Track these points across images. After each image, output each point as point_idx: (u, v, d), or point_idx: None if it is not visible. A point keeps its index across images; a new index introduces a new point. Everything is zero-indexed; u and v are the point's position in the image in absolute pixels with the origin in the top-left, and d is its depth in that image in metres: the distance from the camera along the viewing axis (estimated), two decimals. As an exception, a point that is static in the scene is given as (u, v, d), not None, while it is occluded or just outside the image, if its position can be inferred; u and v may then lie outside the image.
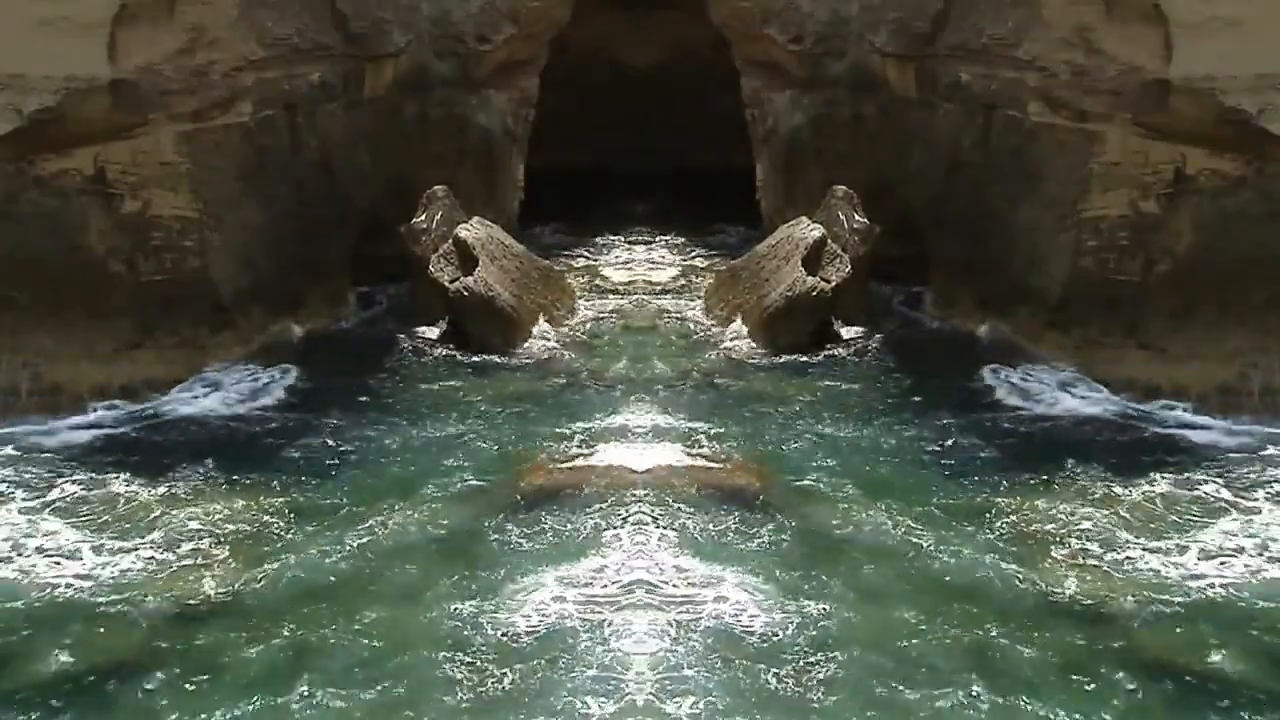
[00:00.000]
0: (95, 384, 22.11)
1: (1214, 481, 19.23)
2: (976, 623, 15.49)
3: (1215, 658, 14.80)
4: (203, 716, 13.73)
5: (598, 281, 29.24)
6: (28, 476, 19.31)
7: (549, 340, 25.66)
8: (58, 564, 16.78)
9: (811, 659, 14.72)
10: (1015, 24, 24.74)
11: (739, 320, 26.18)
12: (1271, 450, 20.32)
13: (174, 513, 18.20)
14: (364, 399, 22.61)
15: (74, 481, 19.20)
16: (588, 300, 27.86)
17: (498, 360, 24.59)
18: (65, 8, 21.26)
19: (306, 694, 14.13)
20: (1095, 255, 23.12)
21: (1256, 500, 18.66)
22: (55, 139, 21.70)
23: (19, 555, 17.04)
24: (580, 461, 19.99)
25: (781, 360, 24.58)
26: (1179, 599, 15.97)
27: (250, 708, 13.93)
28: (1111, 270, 22.99)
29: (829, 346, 25.23)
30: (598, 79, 35.81)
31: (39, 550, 17.14)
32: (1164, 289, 22.47)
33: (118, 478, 19.31)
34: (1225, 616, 15.63)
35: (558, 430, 21.14)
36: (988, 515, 18.21)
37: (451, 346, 25.26)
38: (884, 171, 28.10)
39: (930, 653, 14.92)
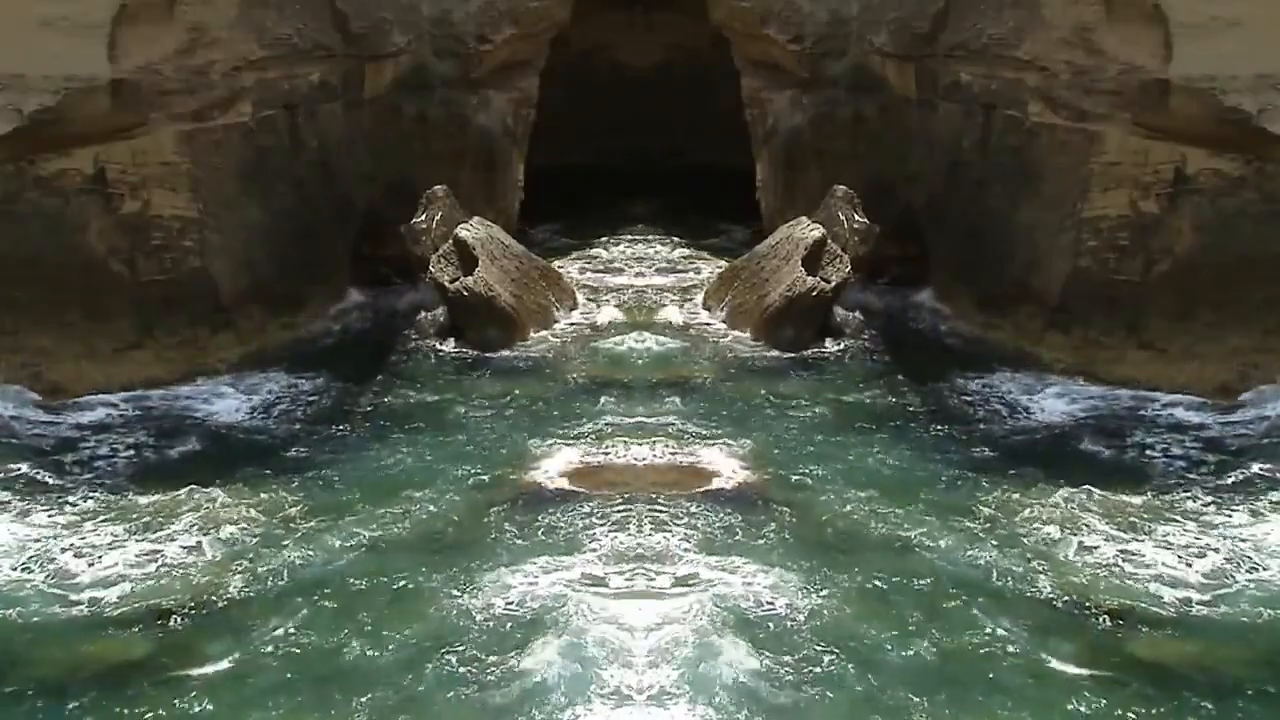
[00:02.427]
0: (95, 384, 22.11)
1: (1210, 480, 19.27)
2: (966, 615, 15.79)
3: (1194, 653, 14.98)
4: (222, 704, 14.04)
5: (597, 281, 29.25)
6: (36, 478, 19.32)
7: (549, 340, 25.68)
8: (75, 564, 16.85)
9: (816, 649, 14.98)
10: (1015, 24, 24.77)
11: (739, 320, 26.20)
12: (1269, 449, 20.34)
13: (180, 514, 18.23)
14: (364, 399, 22.60)
15: (76, 482, 19.22)
16: (587, 300, 27.87)
17: (497, 360, 24.59)
18: (65, 8, 21.27)
19: (314, 683, 14.41)
20: (1095, 255, 23.13)
21: (1251, 499, 18.70)
22: (55, 139, 21.71)
23: (41, 554, 17.13)
24: (581, 462, 20.00)
25: (781, 360, 24.58)
26: (1166, 597, 16.11)
27: (263, 694, 14.23)
28: (1111, 270, 22.99)
29: (829, 346, 25.24)
30: (598, 79, 35.88)
31: (60, 550, 17.21)
32: (1164, 289, 22.47)
33: (121, 480, 19.32)
34: (1210, 614, 15.75)
35: (558, 429, 21.15)
36: (979, 513, 18.34)
37: (451, 346, 25.26)
38: (884, 171, 28.13)
39: (922, 642, 15.22)
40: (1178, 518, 18.12)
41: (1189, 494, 18.85)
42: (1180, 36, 21.73)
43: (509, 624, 15.46)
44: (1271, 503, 18.54)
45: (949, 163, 26.72)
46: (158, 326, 22.91)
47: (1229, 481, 19.22)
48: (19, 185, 21.80)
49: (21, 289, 21.80)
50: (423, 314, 26.56)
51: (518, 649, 14.96)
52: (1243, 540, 17.43)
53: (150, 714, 13.87)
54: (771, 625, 15.44)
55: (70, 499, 18.65)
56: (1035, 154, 24.55)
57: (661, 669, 14.51)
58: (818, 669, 14.62)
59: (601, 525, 17.81)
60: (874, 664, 14.74)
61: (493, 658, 14.80)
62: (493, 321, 25.09)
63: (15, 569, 16.71)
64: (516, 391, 23.01)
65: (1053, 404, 22.27)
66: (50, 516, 18.13)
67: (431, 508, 18.53)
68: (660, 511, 18.17)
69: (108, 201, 22.36)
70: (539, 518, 18.13)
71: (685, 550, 17.12)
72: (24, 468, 19.58)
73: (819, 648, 14.99)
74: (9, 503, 18.51)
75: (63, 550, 17.17)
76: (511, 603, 15.91)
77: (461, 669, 14.61)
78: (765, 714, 13.89)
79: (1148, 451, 20.37)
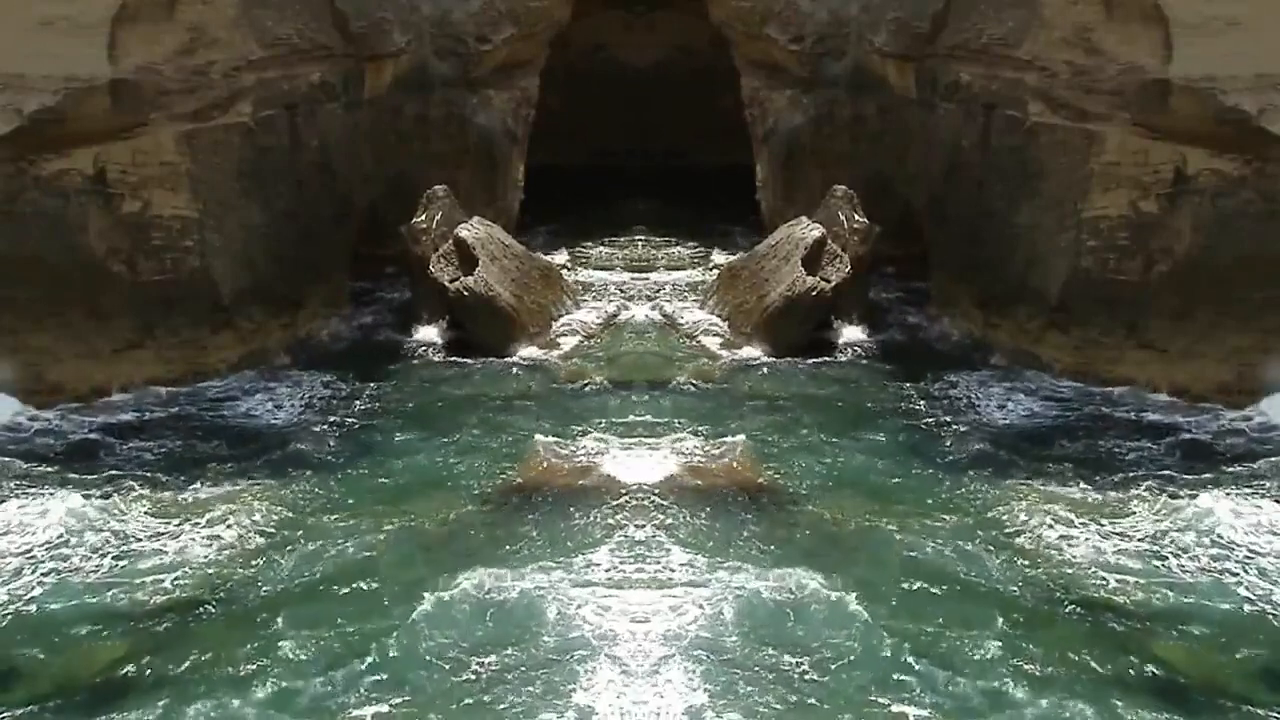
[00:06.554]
0: (95, 384, 22.16)
1: (1207, 480, 19.43)
2: (958, 607, 16.16)
3: (1174, 644, 15.38)
4: (230, 698, 14.40)
5: (597, 280, 29.26)
6: (60, 477, 19.52)
7: (548, 339, 25.67)
8: (98, 561, 17.18)
9: (812, 644, 15.26)
10: (1015, 24, 24.75)
11: (739, 320, 26.20)
12: (1268, 448, 20.45)
13: (199, 512, 18.45)
14: (365, 399, 22.66)
15: (76, 482, 19.33)
16: (587, 300, 27.87)
17: (497, 360, 24.61)
18: (65, 8, 21.28)
19: (321, 669, 14.84)
20: (1095, 255, 23.14)
21: (1245, 498, 18.86)
22: (55, 139, 21.71)
23: (59, 551, 17.44)
24: (581, 460, 20.04)
25: (781, 360, 24.61)
26: (1154, 592, 16.46)
27: (275, 678, 14.66)
28: (1111, 270, 23.00)
29: (828, 346, 25.25)
30: (598, 79, 35.89)
31: (83, 547, 17.55)
32: (1164, 289, 22.49)
33: (123, 481, 19.41)
34: (1195, 609, 16.14)
35: (559, 430, 21.20)
36: (974, 512, 18.56)
37: (451, 346, 25.27)
38: (884, 171, 28.14)
39: (914, 631, 15.61)
40: (1162, 515, 18.38)
41: (1171, 492, 19.06)
42: (1180, 36, 21.73)
43: (514, 618, 15.71)
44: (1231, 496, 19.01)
45: (949, 163, 26.72)
46: (158, 326, 22.93)
47: (1231, 480, 19.47)
48: (19, 185, 21.79)
49: (21, 289, 21.80)
50: (423, 314, 26.57)
51: (525, 637, 15.30)
52: (1233, 536, 17.87)
53: (160, 704, 14.23)
54: (767, 620, 15.64)
55: (90, 498, 18.82)
56: (1035, 154, 24.53)
57: (657, 660, 14.79)
58: (813, 662, 14.85)
59: (603, 523, 17.94)
60: (865, 653, 15.04)
61: (496, 651, 15.04)
62: (493, 321, 25.10)
63: (51, 569, 17.02)
64: (516, 391, 23.09)
65: (1050, 404, 22.32)
66: (80, 514, 18.35)
67: (437, 505, 18.65)
68: (659, 510, 18.29)
69: (108, 202, 22.35)
70: (542, 517, 18.23)
71: (683, 547, 17.26)
72: (42, 467, 19.80)
73: (820, 642, 15.24)
74: (48, 501, 18.76)
75: (86, 547, 17.47)
76: (516, 595, 16.17)
77: (467, 662, 14.83)
78: (760, 705, 14.04)
79: (1145, 451, 20.47)
